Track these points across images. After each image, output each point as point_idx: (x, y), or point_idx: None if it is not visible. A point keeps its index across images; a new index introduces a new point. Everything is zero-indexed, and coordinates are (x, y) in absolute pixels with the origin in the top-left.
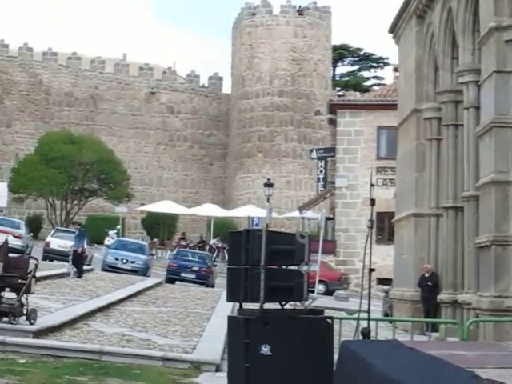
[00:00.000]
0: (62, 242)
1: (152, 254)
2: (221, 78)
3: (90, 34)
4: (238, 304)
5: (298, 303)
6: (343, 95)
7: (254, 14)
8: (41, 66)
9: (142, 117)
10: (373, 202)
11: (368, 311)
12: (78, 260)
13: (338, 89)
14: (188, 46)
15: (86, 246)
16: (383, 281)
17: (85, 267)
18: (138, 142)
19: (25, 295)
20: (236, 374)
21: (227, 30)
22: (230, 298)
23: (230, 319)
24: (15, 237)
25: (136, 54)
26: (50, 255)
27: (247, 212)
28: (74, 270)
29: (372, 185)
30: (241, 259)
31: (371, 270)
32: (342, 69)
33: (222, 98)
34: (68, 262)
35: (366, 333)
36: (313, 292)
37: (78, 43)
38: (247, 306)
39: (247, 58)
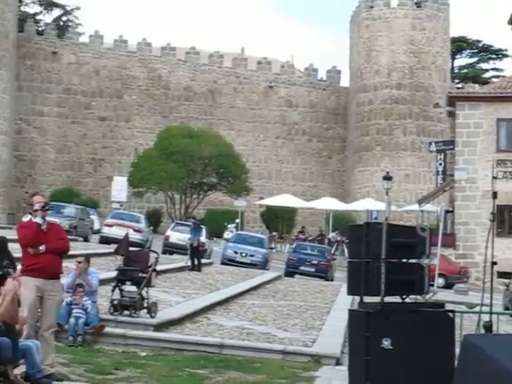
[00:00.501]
0: (181, 236)
1: (271, 248)
2: (339, 72)
3: (207, 28)
4: (357, 297)
5: (418, 297)
6: (462, 87)
7: (371, 7)
8: (159, 61)
9: (261, 111)
10: (495, 195)
11: (490, 305)
12: (196, 253)
13: (456, 81)
14: (306, 39)
15: (203, 240)
16: (504, 274)
17: (204, 261)
18: (256, 136)
19: (145, 288)
20: (357, 368)
21: (345, 23)
22: (350, 292)
23: (351, 313)
24: (135, 231)
25: (254, 48)
26: (170, 249)
27: (366, 205)
28: (189, 263)
29: (494, 177)
30: (361, 252)
31: (493, 264)
32: (461, 61)
33: (340, 92)
34: (187, 255)
35: (488, 327)
36: (432, 285)
37: (196, 38)
38: (367, 299)
39: (365, 51)
